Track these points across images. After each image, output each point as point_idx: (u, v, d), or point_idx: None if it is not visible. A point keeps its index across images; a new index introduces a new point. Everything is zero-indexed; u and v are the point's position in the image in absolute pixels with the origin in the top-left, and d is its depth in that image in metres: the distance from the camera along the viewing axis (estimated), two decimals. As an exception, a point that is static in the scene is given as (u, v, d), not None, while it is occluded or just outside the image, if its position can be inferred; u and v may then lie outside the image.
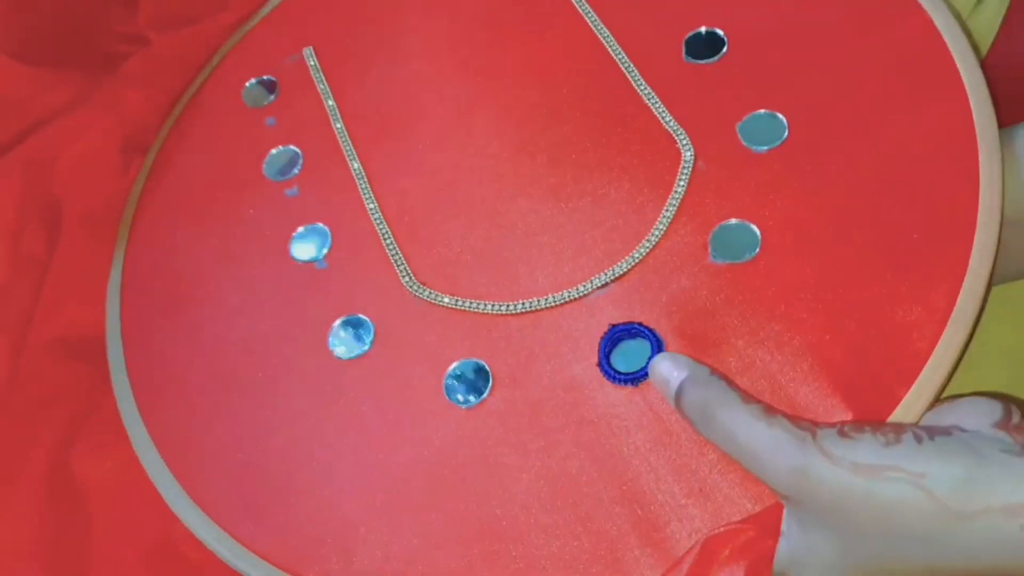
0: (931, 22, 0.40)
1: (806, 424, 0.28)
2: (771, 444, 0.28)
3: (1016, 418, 0.27)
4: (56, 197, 0.49)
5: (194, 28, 0.54)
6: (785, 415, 0.29)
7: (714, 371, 0.32)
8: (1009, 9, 0.44)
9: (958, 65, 0.38)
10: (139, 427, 0.41)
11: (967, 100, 0.37)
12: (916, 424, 0.27)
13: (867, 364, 0.33)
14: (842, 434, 0.27)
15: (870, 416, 0.32)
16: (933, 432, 0.27)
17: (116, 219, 0.49)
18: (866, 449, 0.26)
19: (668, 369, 0.33)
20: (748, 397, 0.30)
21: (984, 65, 0.41)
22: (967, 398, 0.30)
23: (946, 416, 0.28)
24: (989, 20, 0.44)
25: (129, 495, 0.42)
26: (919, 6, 0.40)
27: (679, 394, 0.32)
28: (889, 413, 0.32)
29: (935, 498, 0.25)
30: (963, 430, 0.27)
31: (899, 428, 0.27)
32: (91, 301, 0.47)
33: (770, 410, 0.29)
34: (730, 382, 0.31)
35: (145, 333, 0.44)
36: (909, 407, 0.32)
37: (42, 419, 0.42)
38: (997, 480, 0.25)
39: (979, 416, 0.28)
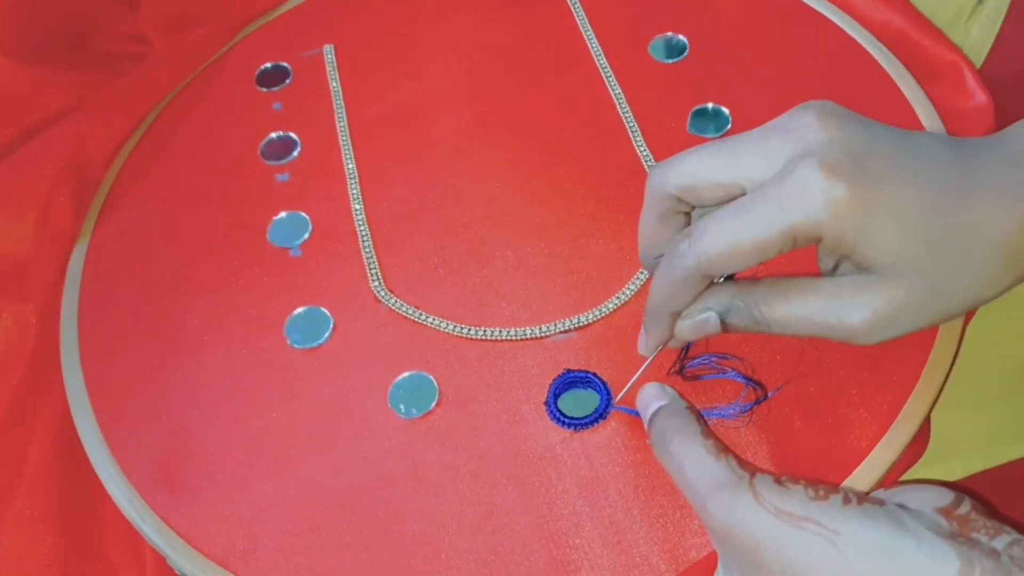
0: None
1: (750, 467, 0.29)
2: (711, 477, 0.29)
3: (964, 508, 0.27)
4: (85, 171, 0.49)
5: (219, 24, 0.55)
6: (736, 456, 0.30)
7: (692, 407, 0.33)
8: (1009, 11, 0.44)
9: None
10: (79, 384, 0.41)
11: None
12: (852, 489, 0.27)
13: (815, 448, 0.35)
14: (777, 481, 0.28)
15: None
16: (863, 499, 0.27)
17: None
18: (794, 499, 0.27)
19: (651, 396, 0.34)
20: (710, 434, 0.31)
21: (985, 68, 0.43)
22: (925, 484, 0.30)
23: (897, 495, 0.29)
24: (989, 21, 0.45)
25: None
26: None
27: (651, 420, 0.33)
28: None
29: (844, 557, 0.26)
30: (903, 507, 0.27)
31: (833, 488, 0.27)
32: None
33: (723, 449, 0.30)
34: (700, 419, 0.32)
35: (104, 296, 0.44)
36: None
37: (58, 384, 0.42)
38: (910, 553, 0.25)
39: (927, 499, 0.28)
